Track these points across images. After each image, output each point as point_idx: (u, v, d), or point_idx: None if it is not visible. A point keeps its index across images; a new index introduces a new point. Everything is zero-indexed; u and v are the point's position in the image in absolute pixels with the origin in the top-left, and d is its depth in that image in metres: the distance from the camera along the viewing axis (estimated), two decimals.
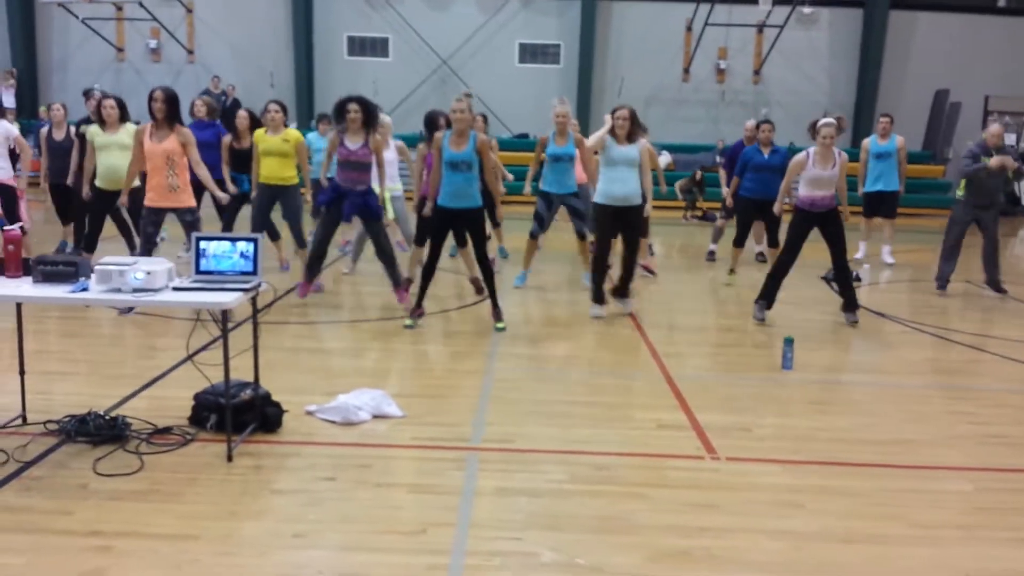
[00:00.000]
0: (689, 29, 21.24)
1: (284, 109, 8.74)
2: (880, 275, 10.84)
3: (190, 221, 7.44)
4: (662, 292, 8.29)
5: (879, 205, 11.42)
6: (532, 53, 21.83)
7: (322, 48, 21.68)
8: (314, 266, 7.98)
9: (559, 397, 5.73)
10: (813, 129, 7.64)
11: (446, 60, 21.37)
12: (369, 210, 7.74)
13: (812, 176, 7.62)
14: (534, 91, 21.43)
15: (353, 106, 7.54)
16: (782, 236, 8.24)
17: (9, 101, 20.12)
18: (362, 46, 21.86)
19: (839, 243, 7.74)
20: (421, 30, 21.27)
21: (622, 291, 8.15)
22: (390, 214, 9.19)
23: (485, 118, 10.32)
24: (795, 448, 4.89)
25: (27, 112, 20.56)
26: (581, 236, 8.92)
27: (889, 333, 7.92)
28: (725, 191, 10.75)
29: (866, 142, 11.54)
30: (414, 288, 7.81)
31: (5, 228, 4.65)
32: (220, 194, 7.90)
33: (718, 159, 19.86)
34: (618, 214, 7.83)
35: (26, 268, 4.54)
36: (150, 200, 7.40)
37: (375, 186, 7.94)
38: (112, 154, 8.08)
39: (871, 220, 11.60)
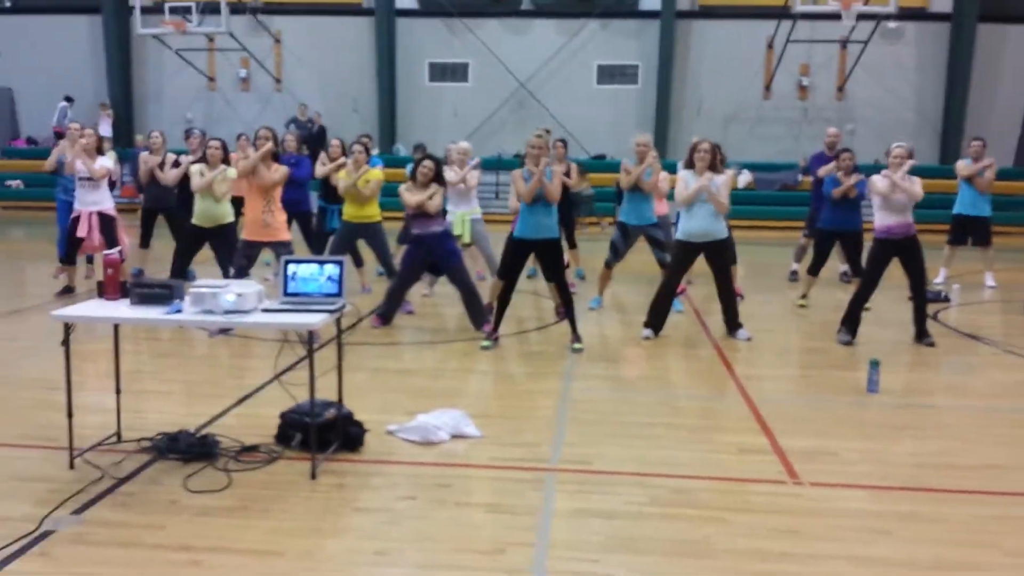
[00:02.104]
0: (770, 46, 20.99)
1: (367, 148, 8.94)
2: (971, 295, 10.48)
3: (283, 255, 7.72)
4: (743, 313, 8.16)
5: (970, 230, 11.00)
6: (610, 74, 21.87)
7: (404, 75, 22.12)
8: (390, 308, 8.23)
9: (637, 419, 5.70)
10: (888, 156, 7.61)
11: (524, 83, 21.56)
12: (446, 254, 8.01)
13: (887, 200, 7.48)
14: (612, 112, 21.47)
15: (428, 163, 7.96)
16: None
17: (106, 131, 21.05)
18: (443, 72, 22.23)
19: (918, 274, 7.61)
20: (500, 54, 21.52)
21: (733, 324, 8.03)
22: (466, 237, 9.32)
23: (564, 143, 10.40)
24: (881, 473, 4.77)
25: (123, 142, 21.46)
26: (663, 265, 8.84)
27: (979, 355, 7.65)
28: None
29: (960, 164, 11.17)
30: (514, 309, 7.91)
31: (105, 252, 4.88)
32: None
33: (800, 178, 19.55)
34: (700, 250, 7.82)
35: (123, 291, 4.75)
36: (246, 233, 7.87)
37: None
38: (206, 198, 8.44)
39: (956, 247, 11.19)
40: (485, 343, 7.50)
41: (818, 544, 3.90)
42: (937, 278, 11.04)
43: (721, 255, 7.86)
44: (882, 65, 20.81)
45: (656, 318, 7.98)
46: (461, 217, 9.24)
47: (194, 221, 8.62)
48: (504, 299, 7.56)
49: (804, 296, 9.68)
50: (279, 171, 7.78)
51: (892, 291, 8.76)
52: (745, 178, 19.71)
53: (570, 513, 4.18)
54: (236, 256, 7.94)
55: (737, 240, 9.71)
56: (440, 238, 7.96)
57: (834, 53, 21.06)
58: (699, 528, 4.04)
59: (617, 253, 9.00)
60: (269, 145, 7.70)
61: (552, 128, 21.13)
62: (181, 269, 8.73)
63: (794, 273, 11.46)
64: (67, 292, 9.54)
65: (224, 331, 7.56)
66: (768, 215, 18.66)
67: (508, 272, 7.61)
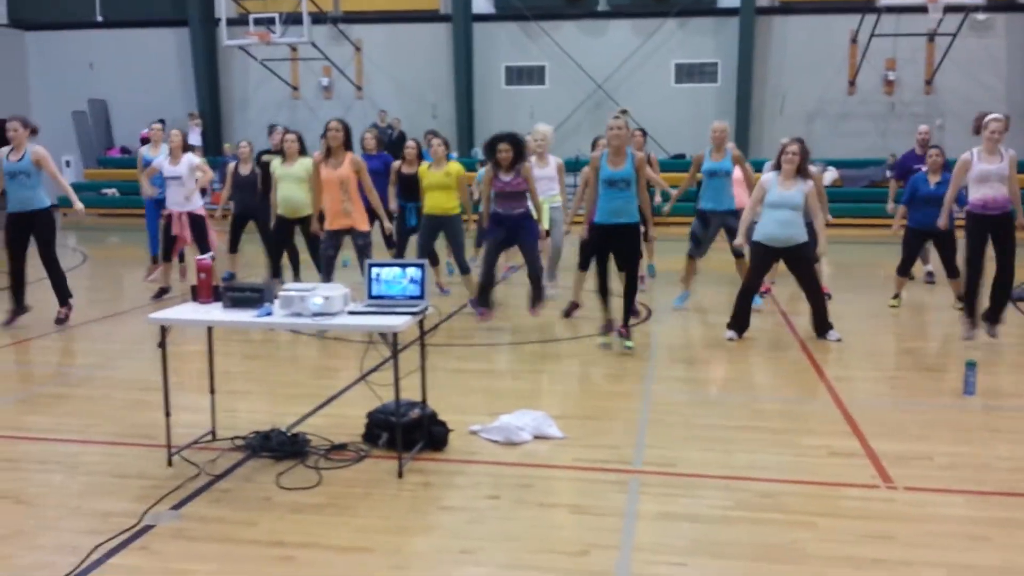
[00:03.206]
0: (854, 41, 20.49)
1: (446, 143, 9.08)
2: None
3: (361, 245, 7.87)
4: (831, 312, 7.97)
5: None
6: (688, 73, 21.65)
7: (481, 79, 22.28)
8: (486, 293, 8.31)
9: (721, 421, 5.63)
10: (979, 126, 7.29)
11: (601, 84, 21.49)
12: (525, 231, 8.08)
13: (979, 172, 7.21)
14: (691, 111, 21.24)
15: (503, 145, 7.90)
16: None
17: (196, 140, 21.76)
18: (519, 75, 22.32)
19: (1008, 252, 7.31)
20: (577, 56, 21.51)
21: (822, 326, 7.80)
22: (545, 224, 9.33)
23: (644, 132, 10.36)
24: (978, 478, 4.61)
25: (212, 150, 22.14)
26: (738, 255, 8.73)
27: None
28: (891, 206, 10.27)
29: None
30: (593, 311, 7.86)
31: (197, 258, 5.04)
32: (387, 224, 8.29)
33: (888, 174, 19.04)
34: (778, 254, 7.69)
35: (216, 294, 4.91)
36: (328, 224, 7.93)
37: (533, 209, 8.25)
38: (289, 186, 8.64)
39: None
40: (603, 340, 7.52)
41: (913, 550, 3.79)
42: None
43: (801, 259, 7.66)
44: (971, 58, 20.11)
45: (739, 319, 7.86)
46: (542, 204, 9.28)
47: (279, 212, 8.86)
48: (603, 288, 7.49)
49: (896, 296, 9.41)
50: (352, 163, 7.74)
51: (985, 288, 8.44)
52: (831, 175, 19.29)
53: (654, 516, 4.16)
54: (322, 248, 8.04)
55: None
56: (520, 219, 8.05)
57: (921, 46, 20.44)
58: (787, 533, 3.97)
59: (698, 243, 8.90)
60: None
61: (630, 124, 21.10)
62: (276, 263, 8.98)
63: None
64: (162, 294, 9.90)
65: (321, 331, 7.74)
66: (855, 212, 18.21)
67: (590, 261, 7.61)
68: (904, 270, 9.33)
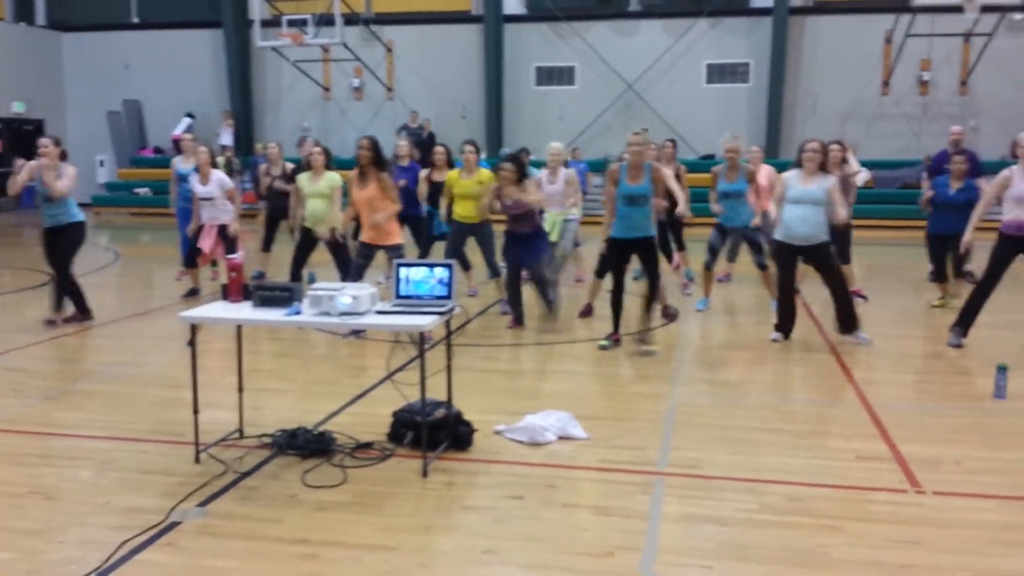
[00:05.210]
0: (888, 41, 20.25)
1: (477, 150, 9.11)
2: None
3: (392, 258, 7.93)
4: (863, 315, 7.89)
5: None
6: (720, 73, 21.52)
7: (511, 79, 22.29)
8: (516, 301, 8.42)
9: (747, 424, 5.59)
10: (1014, 147, 7.18)
11: (631, 84, 21.42)
12: (530, 249, 8.19)
13: (1018, 194, 7.07)
14: (721, 112, 21.11)
15: (507, 165, 8.11)
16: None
17: (228, 140, 21.98)
18: (549, 75, 22.30)
19: None
20: (607, 56, 21.45)
21: (848, 326, 7.66)
22: (554, 236, 9.34)
23: (674, 143, 10.33)
24: (1010, 483, 4.54)
25: (243, 149, 22.33)
26: (761, 267, 8.70)
27: None
28: (925, 198, 10.05)
29: None
30: (605, 313, 7.84)
31: (227, 256, 5.08)
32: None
33: (923, 175, 18.78)
34: (800, 252, 7.59)
35: (246, 293, 4.95)
36: (364, 236, 8.09)
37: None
38: (315, 201, 8.69)
39: None
40: (603, 343, 7.51)
41: (943, 556, 3.74)
42: None
43: (824, 257, 7.55)
44: (1008, 58, 19.76)
45: (784, 321, 7.77)
46: (553, 218, 9.37)
47: (305, 224, 8.91)
48: (616, 301, 7.53)
49: (942, 297, 9.32)
50: (378, 183, 7.85)
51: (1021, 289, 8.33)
52: (863, 176, 19.03)
53: (679, 518, 4.14)
54: (355, 257, 8.14)
55: (856, 240, 9.42)
56: (527, 238, 8.14)
57: (956, 47, 20.14)
58: (814, 537, 3.93)
59: (715, 254, 8.94)
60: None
61: (660, 129, 21.03)
62: (297, 272, 9.03)
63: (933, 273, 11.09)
64: (192, 294, 10.00)
65: (356, 333, 7.78)
66: (888, 214, 18.02)
67: (606, 272, 7.65)
68: (939, 276, 9.23)
